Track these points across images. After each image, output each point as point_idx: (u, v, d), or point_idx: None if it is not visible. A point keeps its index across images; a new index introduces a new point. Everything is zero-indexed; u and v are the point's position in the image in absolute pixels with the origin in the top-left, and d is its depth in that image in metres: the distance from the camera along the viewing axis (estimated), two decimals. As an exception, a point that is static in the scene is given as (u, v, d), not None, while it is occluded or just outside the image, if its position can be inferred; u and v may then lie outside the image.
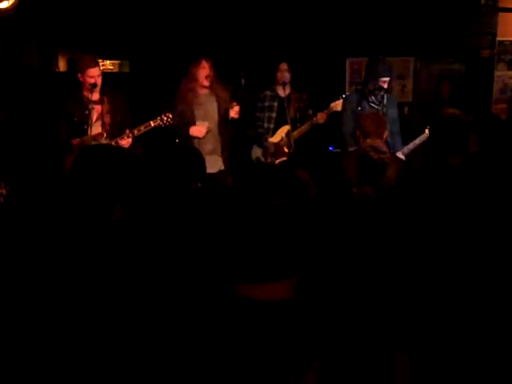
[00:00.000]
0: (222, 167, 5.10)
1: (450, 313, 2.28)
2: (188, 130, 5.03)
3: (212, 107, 5.10)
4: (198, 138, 5.01)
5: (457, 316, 2.28)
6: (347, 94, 5.86)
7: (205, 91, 5.07)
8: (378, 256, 2.23)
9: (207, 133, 5.02)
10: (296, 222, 1.20)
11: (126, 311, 1.80)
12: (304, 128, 5.56)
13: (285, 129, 5.51)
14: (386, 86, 5.10)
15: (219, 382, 1.15)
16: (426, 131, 4.98)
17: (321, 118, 5.57)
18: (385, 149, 3.78)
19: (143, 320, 1.68)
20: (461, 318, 2.27)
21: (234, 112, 5.05)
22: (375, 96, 5.08)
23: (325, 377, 1.11)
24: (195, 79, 5.03)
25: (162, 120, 4.79)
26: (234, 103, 5.07)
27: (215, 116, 5.09)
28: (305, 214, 1.22)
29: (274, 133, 5.57)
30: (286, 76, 5.64)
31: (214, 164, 4.96)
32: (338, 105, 5.54)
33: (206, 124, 5.05)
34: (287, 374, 1.12)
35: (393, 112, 5.17)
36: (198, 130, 5.02)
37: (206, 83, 5.01)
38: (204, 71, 4.99)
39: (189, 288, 1.71)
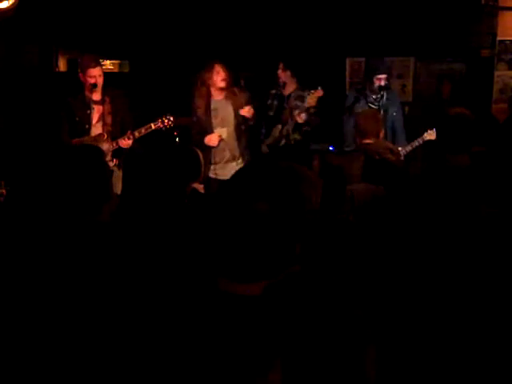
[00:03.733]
0: None
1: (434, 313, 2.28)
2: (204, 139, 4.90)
3: (228, 112, 4.96)
4: (213, 147, 4.89)
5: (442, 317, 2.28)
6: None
7: (219, 97, 4.94)
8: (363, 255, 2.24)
9: (220, 141, 4.89)
10: (279, 227, 1.21)
11: (117, 307, 1.82)
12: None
13: (277, 129, 5.44)
14: (382, 83, 5.07)
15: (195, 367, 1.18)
16: (425, 134, 4.98)
17: (298, 117, 5.48)
18: (397, 150, 3.79)
19: (135, 313, 1.69)
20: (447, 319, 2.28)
21: (244, 111, 4.88)
22: (374, 95, 5.09)
23: (289, 372, 1.12)
24: (209, 85, 4.90)
25: (162, 122, 4.77)
26: (247, 106, 4.90)
27: (232, 121, 4.95)
28: (292, 219, 1.22)
29: (268, 132, 5.49)
30: (282, 75, 5.66)
31: (229, 171, 4.81)
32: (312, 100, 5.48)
33: (223, 131, 4.92)
34: (252, 367, 1.13)
35: (393, 110, 5.18)
36: (211, 140, 4.88)
37: (223, 86, 4.86)
38: (219, 76, 4.85)
39: (177, 280, 1.72)
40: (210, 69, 4.89)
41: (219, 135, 4.91)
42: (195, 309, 1.25)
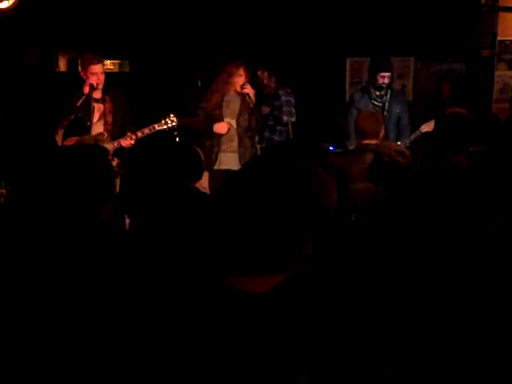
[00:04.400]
0: (239, 166, 5.01)
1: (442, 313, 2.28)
2: (213, 128, 5.04)
3: (239, 105, 5.09)
4: (222, 135, 5.02)
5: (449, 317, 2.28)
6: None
7: (233, 91, 5.07)
8: (372, 258, 2.24)
9: (229, 129, 5.03)
10: (284, 220, 1.20)
11: (119, 308, 1.81)
12: None
13: None
14: (385, 80, 5.15)
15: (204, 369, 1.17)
16: (423, 126, 4.99)
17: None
18: (407, 153, 3.78)
19: (137, 313, 1.69)
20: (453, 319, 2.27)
21: (245, 89, 4.96)
22: (378, 93, 5.14)
23: (313, 377, 1.11)
24: (230, 84, 5.03)
25: (166, 123, 4.76)
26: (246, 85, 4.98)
27: (242, 114, 5.08)
28: (299, 215, 1.21)
29: None
30: (262, 76, 5.80)
31: (235, 161, 5.01)
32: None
33: (232, 121, 5.06)
34: (278, 373, 1.12)
35: (397, 107, 5.23)
36: (220, 127, 5.01)
37: (242, 91, 4.99)
38: (241, 79, 4.99)
39: (180, 280, 1.73)
40: (235, 70, 5.00)
41: (229, 124, 5.04)
42: (201, 308, 1.24)
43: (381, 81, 5.13)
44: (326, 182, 1.28)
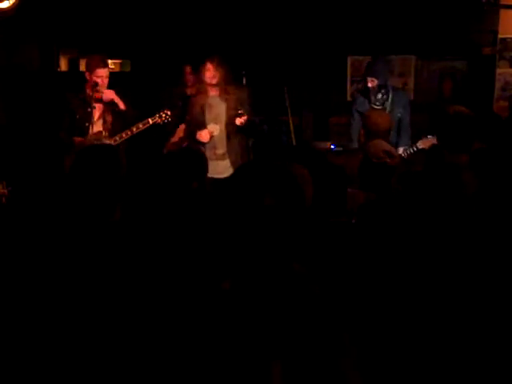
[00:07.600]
0: (230, 172, 4.76)
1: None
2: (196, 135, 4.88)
3: (221, 110, 4.90)
4: (206, 143, 4.83)
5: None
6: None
7: (214, 93, 4.89)
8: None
9: (211, 137, 4.85)
10: (284, 223, 1.21)
11: (126, 306, 1.82)
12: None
13: None
14: (372, 85, 4.93)
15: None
16: (419, 142, 4.80)
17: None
18: (395, 153, 3.75)
19: (142, 315, 1.69)
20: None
21: (238, 121, 4.78)
22: (375, 96, 4.97)
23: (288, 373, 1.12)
24: (201, 81, 4.90)
25: (160, 117, 4.74)
26: (241, 111, 4.78)
27: (224, 119, 4.89)
28: (295, 215, 1.22)
29: None
30: None
31: (225, 169, 4.82)
32: None
33: (216, 127, 4.89)
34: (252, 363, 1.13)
35: (399, 111, 5.00)
36: (202, 135, 4.85)
37: (213, 82, 4.83)
38: (209, 72, 4.81)
39: (184, 281, 1.73)
40: (203, 65, 4.87)
41: (211, 131, 4.87)
42: (199, 307, 1.25)
43: (367, 84, 4.96)
44: (308, 178, 1.29)
